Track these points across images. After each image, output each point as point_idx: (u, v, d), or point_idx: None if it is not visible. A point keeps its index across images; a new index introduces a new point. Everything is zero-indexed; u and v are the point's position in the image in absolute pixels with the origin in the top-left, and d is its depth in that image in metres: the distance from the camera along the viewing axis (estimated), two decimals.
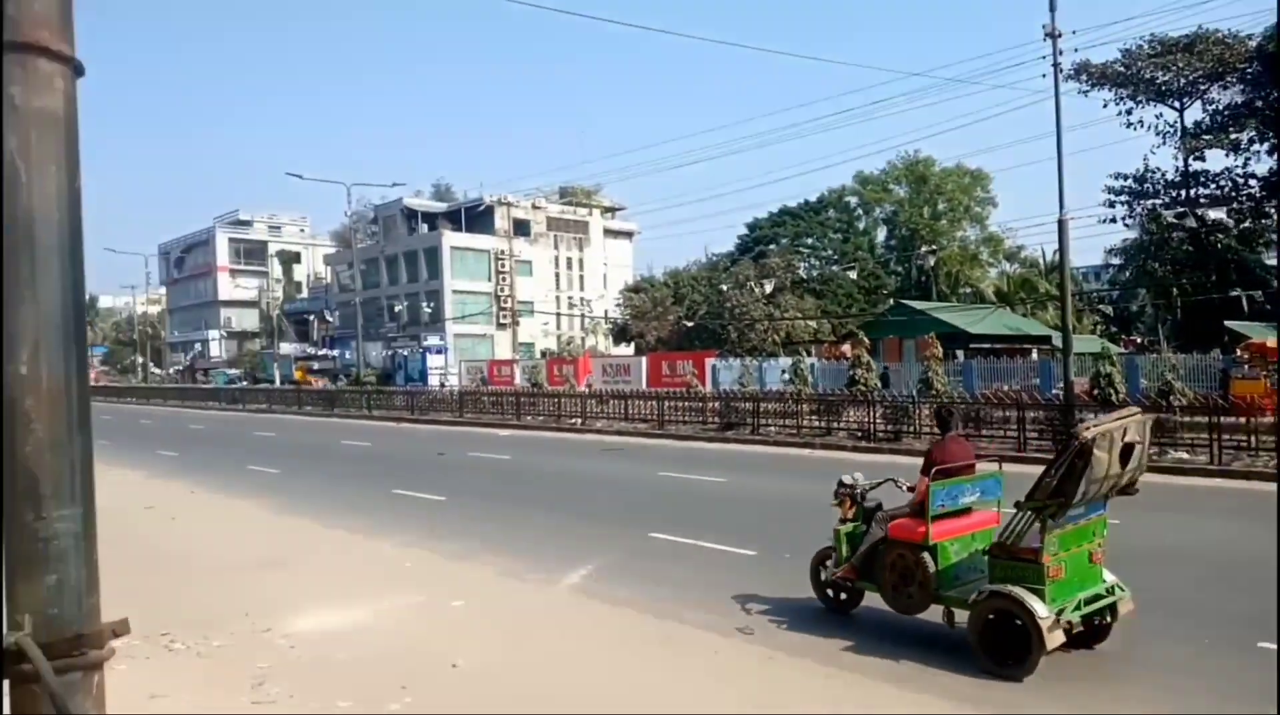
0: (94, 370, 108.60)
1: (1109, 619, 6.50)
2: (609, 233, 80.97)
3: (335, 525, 12.36)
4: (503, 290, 69.96)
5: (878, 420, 19.51)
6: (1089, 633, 6.43)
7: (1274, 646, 6.07)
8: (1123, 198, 35.37)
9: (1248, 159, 32.38)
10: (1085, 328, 47.89)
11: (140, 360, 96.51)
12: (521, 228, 71.35)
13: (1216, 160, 32.99)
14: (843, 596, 7.58)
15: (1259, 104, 30.40)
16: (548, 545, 10.60)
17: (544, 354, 66.84)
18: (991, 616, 6.16)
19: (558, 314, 75.14)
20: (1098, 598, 6.39)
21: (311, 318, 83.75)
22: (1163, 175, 34.44)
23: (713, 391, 25.38)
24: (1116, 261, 52.50)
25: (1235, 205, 32.01)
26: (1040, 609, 5.94)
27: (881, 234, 61.82)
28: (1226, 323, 32.78)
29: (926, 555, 6.67)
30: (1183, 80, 31.05)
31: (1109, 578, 6.56)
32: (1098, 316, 53.01)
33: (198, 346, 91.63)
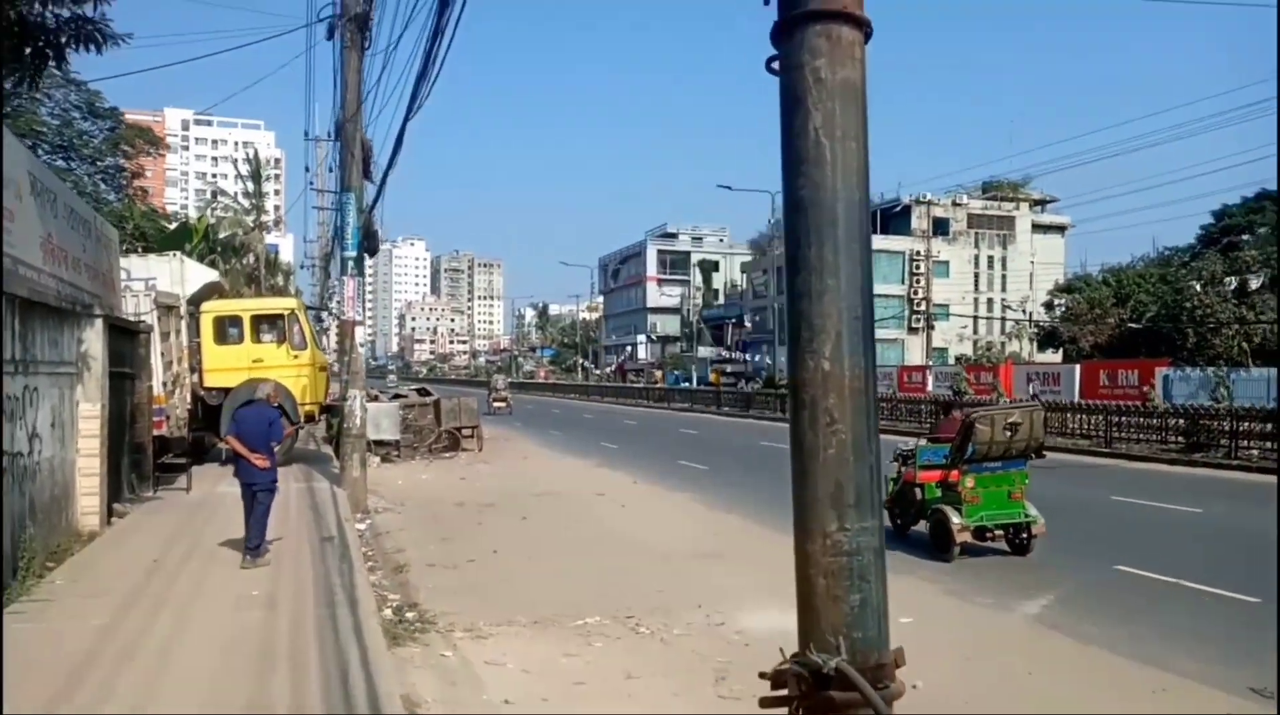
0: (543, 369, 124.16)
1: (1027, 536, 10.25)
2: (1037, 228, 74.80)
3: (764, 523, 12.62)
4: (916, 293, 67.81)
5: None
6: (1016, 545, 10.35)
7: None
8: None
9: None
10: None
11: (581, 361, 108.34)
12: (940, 226, 68.48)
13: None
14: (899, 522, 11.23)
15: None
16: (997, 569, 9.85)
17: (959, 360, 63.58)
18: (933, 520, 10.38)
19: (975, 317, 71.08)
20: (1013, 520, 10.22)
21: (728, 323, 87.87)
22: None
23: (1168, 405, 22.09)
24: None
25: None
26: (954, 519, 10.00)
27: None
28: None
29: (917, 489, 10.83)
30: None
31: (1031, 511, 10.21)
32: None
33: (628, 349, 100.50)
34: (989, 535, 10.35)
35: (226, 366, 17.70)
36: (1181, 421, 19.62)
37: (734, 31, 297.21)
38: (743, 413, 40.35)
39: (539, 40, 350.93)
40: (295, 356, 17.90)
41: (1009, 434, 10.05)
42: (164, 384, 15.54)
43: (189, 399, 17.43)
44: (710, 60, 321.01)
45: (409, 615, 8.07)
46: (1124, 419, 21.37)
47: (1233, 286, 39.61)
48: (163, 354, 15.57)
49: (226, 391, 17.44)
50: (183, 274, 18.09)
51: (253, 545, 9.05)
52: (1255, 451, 18.07)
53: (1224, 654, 6.76)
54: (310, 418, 18.68)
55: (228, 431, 10.15)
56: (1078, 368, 45.40)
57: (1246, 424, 18.20)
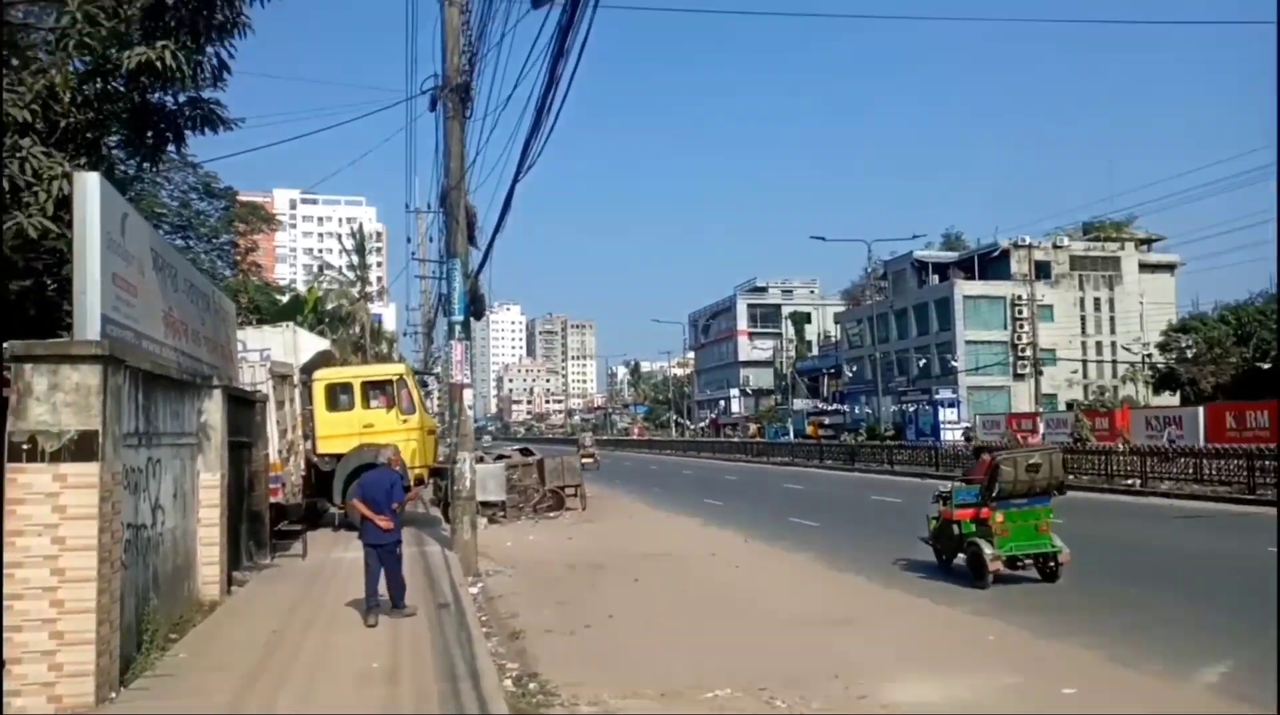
0: (637, 425, 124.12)
1: (1055, 564, 11.44)
2: (1145, 267, 71.74)
3: (890, 584, 11.97)
4: (1020, 338, 65.50)
5: None
6: (1046, 573, 11.57)
7: None
8: None
9: None
10: None
11: (674, 417, 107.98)
12: (1041, 270, 66.29)
13: None
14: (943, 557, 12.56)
15: None
16: (1156, 632, 9.00)
17: (1069, 405, 60.88)
18: (969, 553, 11.62)
19: (1085, 361, 68.23)
20: (1041, 550, 11.51)
21: (823, 374, 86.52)
22: None
23: None
24: None
25: None
26: (987, 550, 11.26)
27: None
28: None
29: (955, 526, 12.01)
30: None
31: (1057, 542, 11.47)
32: None
33: (721, 403, 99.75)
34: (1020, 564, 11.73)
35: (338, 433, 17.96)
36: None
37: (817, 81, 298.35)
38: (847, 466, 39.22)
39: (623, 95, 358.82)
40: (404, 421, 18.06)
41: (1031, 474, 11.47)
42: (279, 451, 15.82)
43: (303, 465, 17.72)
44: (796, 108, 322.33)
45: (530, 686, 7.77)
46: (1265, 462, 19.84)
47: None
48: (277, 422, 15.88)
49: (339, 457, 17.67)
50: (295, 344, 18.56)
51: (398, 601, 9.55)
52: None
53: None
54: (419, 481, 18.78)
55: (352, 495, 10.31)
56: (1201, 410, 42.78)
57: None
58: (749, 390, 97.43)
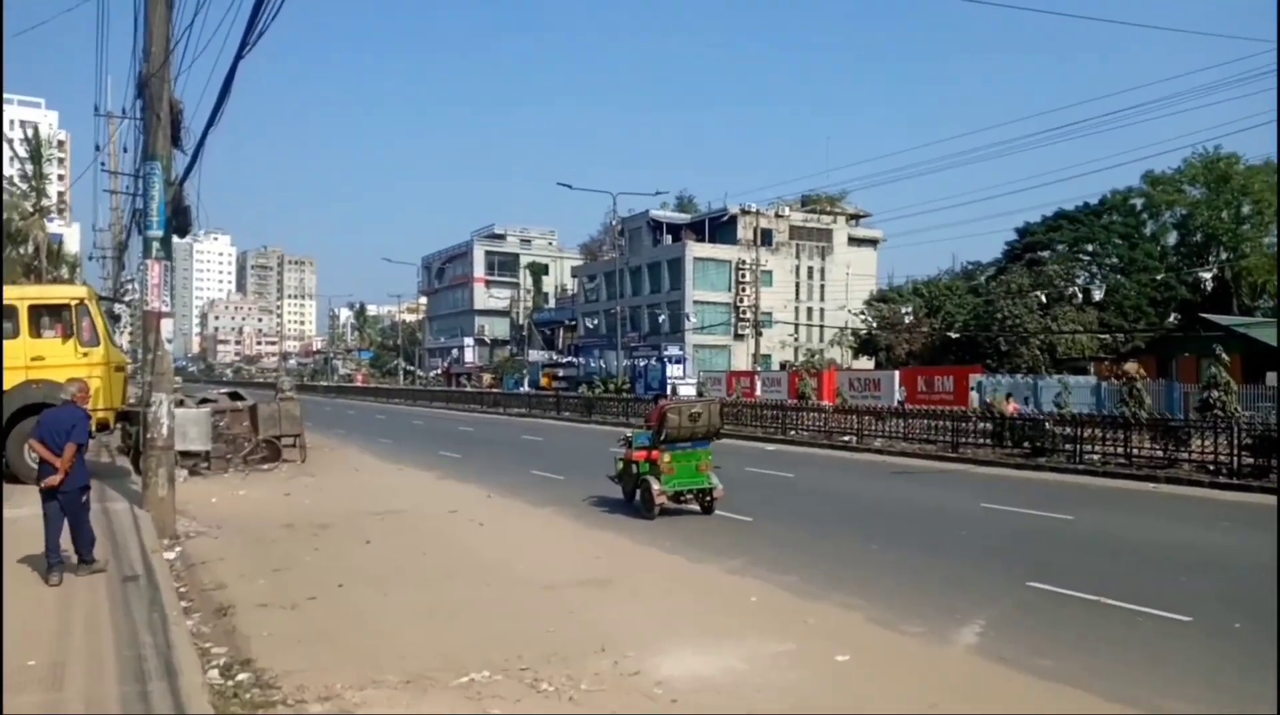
0: (360, 372, 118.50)
1: (710, 499, 13.16)
2: (853, 241, 78.05)
3: (643, 541, 11.54)
4: (742, 300, 69.05)
5: (1237, 451, 16.43)
6: (704, 506, 13.25)
7: None
8: None
9: None
10: None
11: (403, 364, 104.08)
12: (765, 237, 70.08)
13: None
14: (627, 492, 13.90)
15: None
16: (903, 588, 9.14)
17: (783, 366, 65.18)
18: (641, 488, 13.21)
19: (797, 324, 73.23)
20: (700, 487, 13.16)
21: (559, 326, 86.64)
22: None
23: (1018, 410, 22.71)
24: None
25: None
26: (655, 485, 12.87)
27: (1172, 239, 55.17)
28: None
29: (633, 466, 13.48)
30: None
31: (713, 480, 13.14)
32: None
33: (454, 352, 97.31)
34: (683, 499, 13.31)
35: None
36: (1024, 426, 20.13)
37: (575, 31, 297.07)
38: (584, 418, 39.24)
39: (356, 19, 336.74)
40: (85, 354, 15.23)
41: (693, 422, 13.03)
42: None
43: None
44: (541, 60, 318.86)
45: (242, 677, 6.39)
46: (965, 425, 21.80)
47: (1043, 300, 42.28)
48: None
49: None
50: None
51: (85, 556, 8.69)
52: (1096, 456, 18.69)
53: (1191, 688, 6.21)
54: (104, 426, 16.00)
55: (31, 436, 8.89)
56: (897, 374, 47.18)
57: (1088, 430, 18.82)
58: (486, 339, 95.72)
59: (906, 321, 49.17)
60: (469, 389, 70.28)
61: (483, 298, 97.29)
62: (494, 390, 65.86)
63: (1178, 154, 70.88)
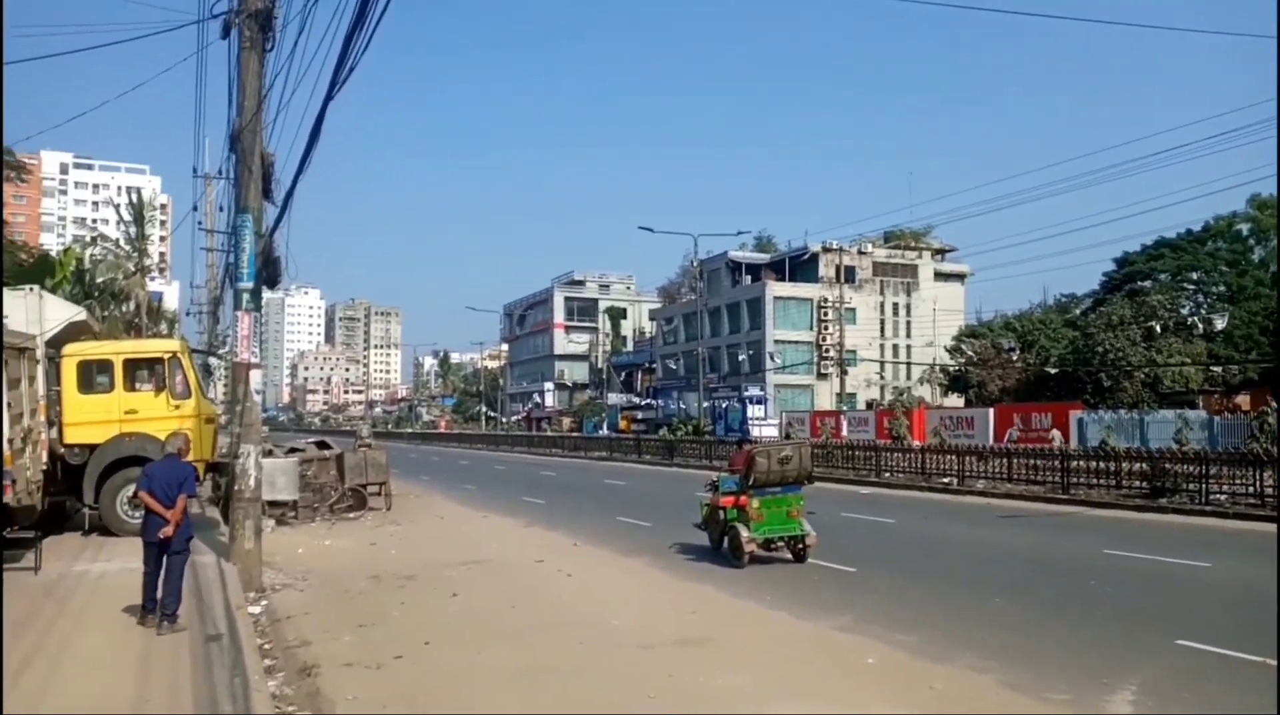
0: (444, 418, 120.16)
1: (803, 546, 12.64)
2: (939, 276, 76.24)
3: (742, 595, 10.85)
4: (825, 339, 67.85)
5: None
6: (796, 554, 12.74)
7: None
8: None
9: None
10: None
11: (484, 410, 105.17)
12: (847, 274, 69.12)
13: None
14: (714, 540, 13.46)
15: None
16: (1036, 647, 8.27)
17: (869, 405, 63.60)
18: (730, 535, 12.71)
19: (883, 362, 71.57)
20: (791, 534, 12.62)
21: (637, 369, 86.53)
22: None
23: (1128, 448, 21.29)
24: None
25: None
26: (744, 533, 12.36)
27: None
28: None
29: (720, 511, 13.04)
30: None
31: (805, 526, 12.59)
32: None
33: (534, 397, 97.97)
34: (774, 546, 12.80)
35: (93, 419, 15.01)
36: (1144, 466, 18.78)
37: (644, 76, 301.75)
38: (666, 461, 38.63)
39: (438, 76, 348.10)
40: (177, 407, 15.34)
41: (782, 465, 12.48)
42: (10, 441, 12.85)
43: (45, 458, 14.64)
44: (613, 107, 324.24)
45: None
46: (1079, 463, 20.48)
47: (1139, 332, 40.24)
48: (9, 405, 12.90)
49: (93, 448, 14.79)
50: (41, 311, 15.37)
51: (169, 611, 8.46)
52: (1223, 496, 17.29)
53: None
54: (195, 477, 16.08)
55: (140, 487, 8.82)
56: (991, 411, 45.42)
57: (1215, 467, 17.43)
58: (567, 383, 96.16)
59: (1013, 355, 46.99)
60: (549, 433, 70.42)
61: (562, 343, 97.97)
62: (574, 434, 65.79)
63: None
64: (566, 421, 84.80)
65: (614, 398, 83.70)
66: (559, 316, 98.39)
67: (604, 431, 68.77)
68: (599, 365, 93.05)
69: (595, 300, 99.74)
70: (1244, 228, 52.53)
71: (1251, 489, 16.97)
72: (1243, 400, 42.63)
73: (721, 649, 8.49)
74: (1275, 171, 41.11)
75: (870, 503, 21.26)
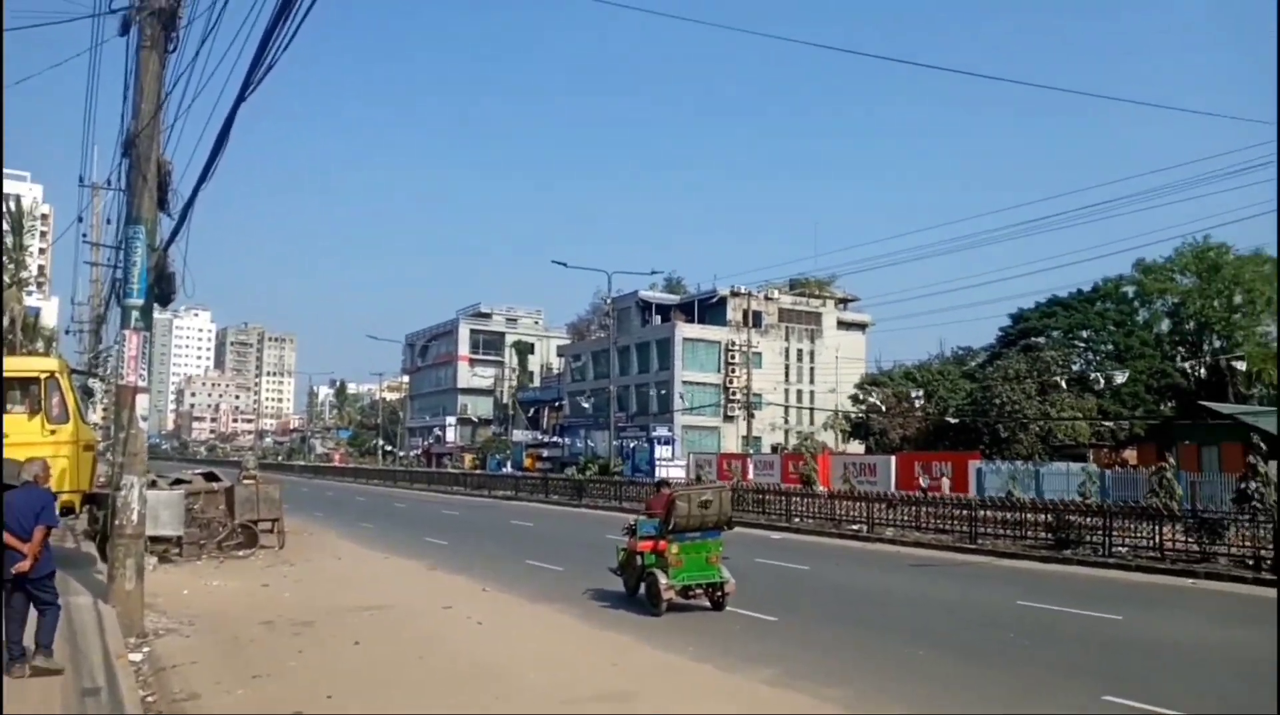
0: (339, 452, 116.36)
1: (722, 594, 12.24)
2: (842, 324, 78.09)
3: (663, 646, 10.40)
4: (732, 382, 68.45)
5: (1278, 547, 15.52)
6: (715, 602, 12.32)
7: None
8: None
9: None
10: None
11: (381, 443, 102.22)
12: (754, 319, 70.17)
13: None
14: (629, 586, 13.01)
15: None
16: (967, 704, 8.08)
17: (774, 448, 64.23)
18: (647, 582, 12.27)
19: (788, 407, 72.55)
20: (710, 581, 12.21)
21: (544, 406, 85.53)
22: None
23: (1036, 501, 21.76)
24: None
25: None
26: (662, 580, 11.94)
27: (1165, 326, 55.24)
28: None
29: (637, 556, 12.65)
30: None
31: (724, 573, 12.22)
32: None
33: (436, 431, 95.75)
34: (691, 594, 12.38)
35: None
36: (1048, 517, 19.16)
37: (552, 104, 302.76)
38: (574, 501, 37.94)
39: (343, 101, 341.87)
40: (52, 432, 14.15)
41: (703, 510, 12.16)
42: None
43: None
44: (522, 135, 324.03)
45: None
46: (986, 513, 20.81)
47: (1034, 386, 41.82)
48: None
49: None
50: None
51: (46, 642, 7.93)
52: (1124, 549, 17.74)
53: None
54: (69, 510, 14.80)
55: None
56: (893, 459, 46.32)
57: (1119, 521, 17.88)
58: (473, 418, 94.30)
59: (918, 403, 48.18)
60: (451, 470, 68.72)
61: (466, 376, 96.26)
62: (478, 471, 64.37)
63: (1169, 243, 71.83)
64: (469, 458, 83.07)
65: (519, 435, 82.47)
66: (464, 349, 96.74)
67: (508, 469, 67.58)
68: (504, 400, 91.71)
69: (502, 333, 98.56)
70: (1129, 290, 55.45)
71: (1152, 542, 17.45)
72: (1130, 454, 44.60)
73: (647, 705, 8.03)
74: (1275, 199, 43.15)
75: (782, 548, 21.14)
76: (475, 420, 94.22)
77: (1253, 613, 13.30)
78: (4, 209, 57.28)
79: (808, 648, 10.33)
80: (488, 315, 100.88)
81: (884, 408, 56.07)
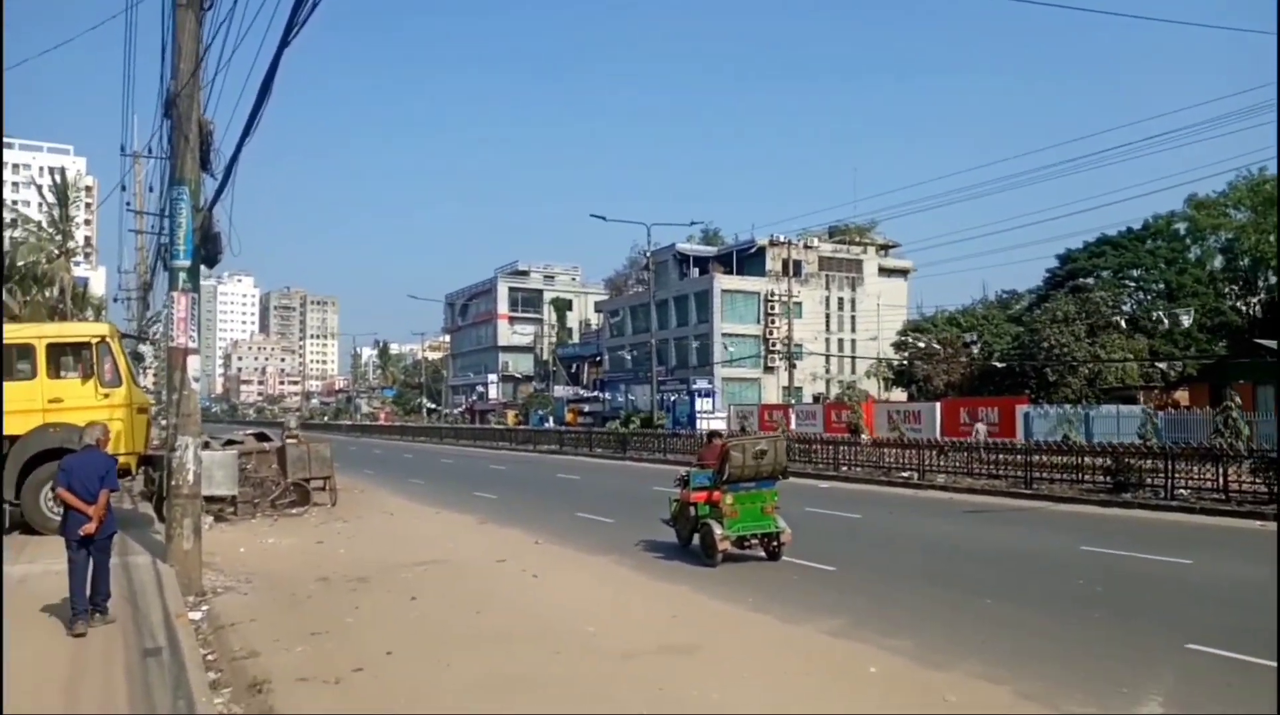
0: (384, 411, 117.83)
1: (778, 544, 12.22)
2: (883, 271, 76.87)
3: (721, 597, 10.28)
4: (772, 332, 67.86)
5: None
6: (770, 552, 12.29)
7: None
8: None
9: None
10: None
11: (425, 401, 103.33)
12: (794, 268, 69.28)
13: None
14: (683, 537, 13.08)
15: None
16: (1043, 652, 7.84)
17: (816, 398, 63.75)
18: (702, 533, 12.27)
19: (829, 355, 71.88)
20: (766, 531, 12.20)
21: (583, 361, 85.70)
22: None
23: (1088, 443, 21.27)
24: None
25: None
26: (717, 530, 11.96)
27: (1218, 263, 53.54)
28: None
29: (691, 507, 12.63)
30: None
31: (780, 523, 12.20)
32: None
33: (477, 389, 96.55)
34: (747, 544, 12.33)
35: (14, 408, 13.85)
36: (1107, 461, 18.70)
37: (588, 64, 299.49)
38: (619, 455, 38.01)
39: (378, 61, 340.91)
40: (106, 396, 14.26)
41: (758, 460, 12.03)
42: None
43: None
44: (563, 91, 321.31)
45: None
46: (1041, 458, 20.38)
47: (1083, 327, 40.76)
48: None
49: (14, 440, 13.65)
50: None
51: (100, 604, 8.35)
52: (1186, 491, 17.27)
53: None
54: (126, 472, 14.99)
55: (57, 483, 8.30)
56: (938, 406, 45.66)
57: (1180, 463, 17.39)
58: (515, 375, 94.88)
59: (973, 348, 47.00)
60: (495, 426, 69.28)
61: (506, 334, 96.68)
62: (522, 427, 64.75)
63: (1223, 178, 69.29)
64: (511, 414, 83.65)
65: (560, 390, 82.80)
66: (503, 307, 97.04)
67: (550, 424, 67.88)
68: (544, 357, 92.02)
69: (540, 291, 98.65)
70: (1181, 227, 53.73)
71: (1216, 484, 16.96)
72: (1181, 395, 43.56)
73: (711, 658, 7.91)
74: (1275, 153, 41.60)
75: (832, 497, 20.92)
76: (517, 377, 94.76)
77: None
78: (52, 181, 58.12)
79: (869, 597, 10.15)
80: (525, 273, 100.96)
81: (934, 352, 55.11)
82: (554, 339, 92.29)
